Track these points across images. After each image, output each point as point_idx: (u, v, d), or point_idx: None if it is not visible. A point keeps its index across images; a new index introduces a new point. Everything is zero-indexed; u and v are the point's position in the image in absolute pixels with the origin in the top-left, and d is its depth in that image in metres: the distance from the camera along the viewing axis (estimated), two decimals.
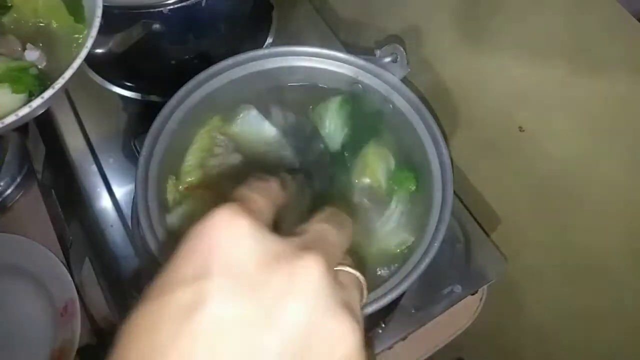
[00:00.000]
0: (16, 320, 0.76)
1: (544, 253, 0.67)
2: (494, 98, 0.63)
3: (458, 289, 0.64)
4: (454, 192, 0.55)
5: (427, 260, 0.50)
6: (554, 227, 0.63)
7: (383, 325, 0.62)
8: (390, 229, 0.56)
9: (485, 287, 0.69)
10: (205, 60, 0.54)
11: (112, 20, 0.63)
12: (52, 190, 0.79)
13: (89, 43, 0.45)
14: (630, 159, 0.50)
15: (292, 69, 0.62)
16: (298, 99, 0.63)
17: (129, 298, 0.63)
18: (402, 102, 0.59)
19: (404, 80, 0.59)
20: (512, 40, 0.57)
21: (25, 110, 0.41)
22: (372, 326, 0.63)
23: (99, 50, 0.60)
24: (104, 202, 0.68)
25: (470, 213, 0.71)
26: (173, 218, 0.51)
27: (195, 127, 0.58)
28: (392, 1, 0.74)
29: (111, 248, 0.66)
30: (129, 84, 0.74)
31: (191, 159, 0.56)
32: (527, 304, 0.75)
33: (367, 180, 0.58)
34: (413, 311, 0.63)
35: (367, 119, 0.61)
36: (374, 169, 0.59)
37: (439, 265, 0.65)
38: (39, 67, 0.47)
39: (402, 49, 0.58)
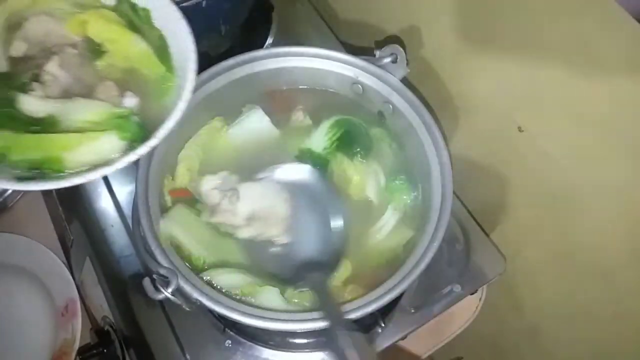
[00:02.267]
0: (16, 320, 0.76)
1: (543, 253, 0.68)
2: (493, 98, 0.63)
3: (457, 288, 0.65)
4: (454, 192, 0.55)
5: (427, 260, 0.50)
6: (554, 227, 0.64)
7: (383, 325, 0.62)
8: (386, 235, 0.57)
9: (484, 286, 0.69)
10: (206, 61, 0.54)
11: None
12: (53, 190, 0.79)
13: (186, 96, 0.45)
14: (630, 159, 0.50)
15: (292, 70, 0.62)
16: (298, 101, 0.63)
17: (129, 298, 0.63)
18: (402, 102, 0.59)
19: (404, 80, 0.59)
20: (512, 40, 0.57)
21: (133, 158, 0.41)
22: (372, 326, 0.63)
23: None
24: (105, 202, 0.68)
25: (470, 213, 0.71)
26: (164, 222, 0.52)
27: (195, 127, 0.59)
28: (392, 1, 0.74)
29: (112, 248, 0.66)
30: None
31: (182, 163, 0.56)
32: (526, 303, 0.75)
33: (356, 197, 0.59)
34: (412, 311, 0.64)
35: (357, 140, 0.61)
36: (362, 186, 0.59)
37: (438, 265, 0.65)
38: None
39: (402, 49, 0.58)
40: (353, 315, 0.48)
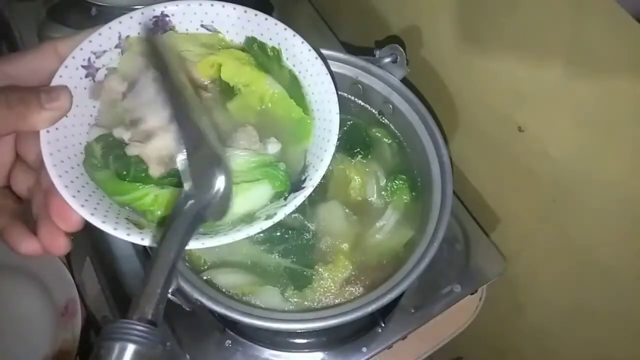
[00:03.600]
0: (17, 320, 0.76)
1: (543, 253, 0.68)
2: (493, 98, 0.63)
3: (457, 288, 0.65)
4: (454, 192, 0.55)
5: (427, 260, 0.50)
6: (554, 227, 0.64)
7: (383, 325, 0.62)
8: (386, 235, 0.57)
9: (484, 286, 0.69)
10: None
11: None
12: None
13: (333, 140, 0.41)
14: (630, 159, 0.50)
15: None
16: None
17: (129, 298, 0.63)
18: (402, 102, 0.59)
19: (404, 80, 0.59)
20: (512, 41, 0.57)
21: (290, 209, 0.39)
22: (372, 325, 0.63)
23: None
24: None
25: (470, 213, 0.71)
26: None
27: None
28: (392, 1, 0.74)
29: (112, 248, 0.66)
30: None
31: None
32: (526, 303, 0.75)
33: (356, 197, 0.59)
34: (412, 311, 0.64)
35: (357, 140, 0.61)
36: (362, 186, 0.59)
37: (438, 265, 0.65)
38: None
39: (402, 49, 0.58)
40: (353, 316, 0.48)
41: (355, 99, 0.64)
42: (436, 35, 0.68)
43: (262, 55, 0.46)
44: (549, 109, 0.57)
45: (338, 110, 0.42)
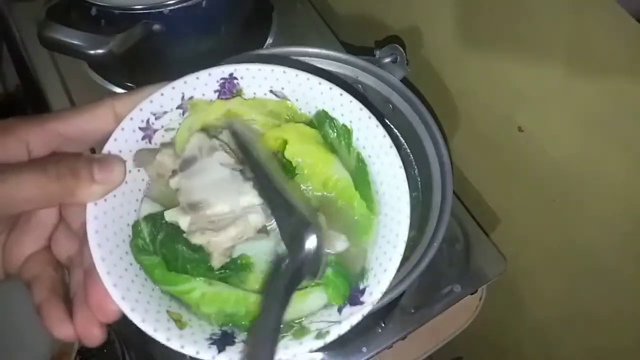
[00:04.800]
0: (16, 321, 0.76)
1: (543, 253, 0.68)
2: (493, 98, 0.63)
3: (457, 288, 0.65)
4: (454, 192, 0.55)
5: (427, 260, 0.50)
6: (554, 227, 0.64)
7: (383, 325, 0.62)
8: None
9: (484, 286, 0.69)
10: (206, 61, 0.54)
11: (113, 21, 0.63)
12: None
13: (397, 257, 0.36)
14: (630, 159, 0.50)
15: None
16: None
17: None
18: (402, 102, 0.59)
19: (404, 80, 0.59)
20: (512, 40, 0.57)
21: (345, 329, 0.34)
22: (372, 325, 0.63)
23: (99, 51, 0.60)
24: None
25: (470, 213, 0.71)
26: None
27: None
28: (392, 1, 0.74)
29: None
30: (129, 84, 0.74)
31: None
32: (526, 303, 0.75)
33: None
34: (413, 311, 0.64)
35: None
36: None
37: (438, 265, 0.65)
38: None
39: (401, 49, 0.58)
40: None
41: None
42: (436, 35, 0.68)
43: (331, 133, 0.41)
44: (549, 109, 0.57)
45: (409, 213, 0.38)
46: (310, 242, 0.33)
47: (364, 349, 0.62)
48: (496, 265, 0.67)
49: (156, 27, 0.63)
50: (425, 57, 0.71)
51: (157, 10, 0.62)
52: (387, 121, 0.38)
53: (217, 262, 0.36)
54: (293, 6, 0.86)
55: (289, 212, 0.34)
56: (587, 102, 0.52)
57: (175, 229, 0.36)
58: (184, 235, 0.36)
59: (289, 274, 0.32)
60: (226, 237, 0.35)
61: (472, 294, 0.67)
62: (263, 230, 0.37)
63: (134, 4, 0.62)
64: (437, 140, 0.56)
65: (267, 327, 0.31)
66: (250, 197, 0.36)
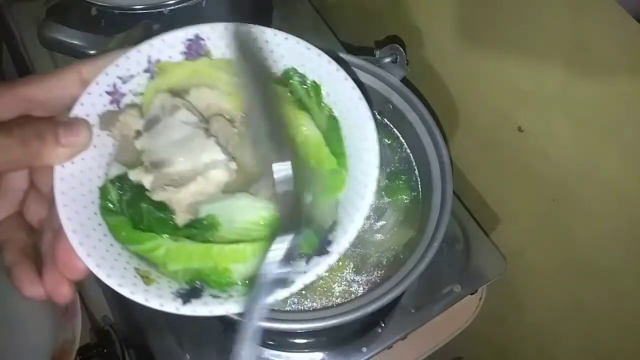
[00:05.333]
0: (16, 321, 0.76)
1: (543, 253, 0.68)
2: (493, 98, 0.63)
3: (457, 288, 0.65)
4: (454, 192, 0.55)
5: (427, 260, 0.50)
6: (554, 227, 0.64)
7: (383, 325, 0.62)
8: (386, 234, 0.57)
9: (484, 286, 0.69)
10: None
11: (113, 21, 0.63)
12: None
13: (364, 208, 0.36)
14: (630, 159, 0.50)
15: None
16: None
17: (129, 298, 0.63)
18: (402, 102, 0.59)
19: (404, 80, 0.59)
20: (512, 40, 0.57)
21: (311, 279, 0.34)
22: (372, 325, 0.63)
23: (99, 51, 0.60)
24: None
25: (470, 213, 0.71)
26: None
27: None
28: (392, 1, 0.74)
29: None
30: None
31: None
32: (526, 303, 0.75)
33: None
34: (413, 311, 0.64)
35: None
36: None
37: (438, 265, 0.65)
38: None
39: (401, 49, 0.58)
40: (353, 316, 0.48)
41: None
42: (436, 35, 0.68)
43: (300, 90, 0.41)
44: (549, 109, 0.57)
45: (378, 164, 0.38)
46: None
47: (364, 349, 0.62)
48: (496, 265, 0.67)
49: (156, 27, 0.63)
50: (425, 57, 0.71)
51: (157, 10, 0.63)
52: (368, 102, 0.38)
53: (180, 219, 0.36)
54: (293, 6, 0.86)
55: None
56: (587, 102, 0.52)
57: (140, 189, 0.36)
58: (147, 193, 0.36)
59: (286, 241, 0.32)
60: (187, 193, 0.36)
61: (472, 294, 0.67)
62: (229, 190, 0.37)
63: (134, 4, 0.62)
64: (437, 140, 0.56)
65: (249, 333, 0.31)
66: (212, 154, 0.37)
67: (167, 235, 0.36)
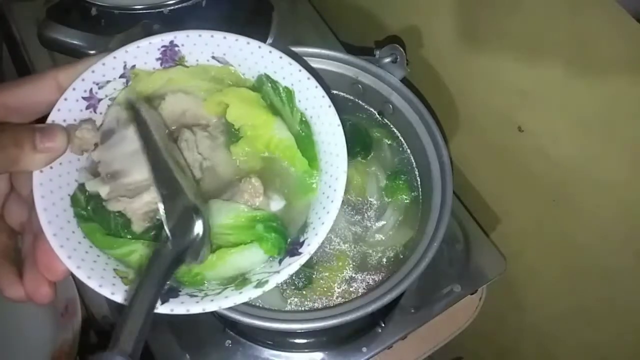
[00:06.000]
0: (16, 321, 0.76)
1: (543, 253, 0.68)
2: (493, 98, 0.63)
3: (457, 288, 0.65)
4: (454, 192, 0.55)
5: (427, 260, 0.50)
6: (554, 227, 0.64)
7: (383, 325, 0.62)
8: (386, 234, 0.57)
9: (484, 286, 0.69)
10: None
11: (113, 21, 0.63)
12: None
13: (334, 210, 0.37)
14: (630, 159, 0.50)
15: None
16: None
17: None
18: (402, 102, 0.59)
19: (404, 80, 0.59)
20: (512, 41, 0.57)
21: (283, 278, 0.36)
22: (372, 325, 0.63)
23: (99, 51, 0.60)
24: None
25: (470, 213, 0.71)
26: None
27: None
28: (392, 1, 0.74)
29: None
30: None
31: None
32: (526, 303, 0.75)
33: (355, 198, 0.59)
34: (413, 311, 0.64)
35: (357, 141, 0.61)
36: (362, 186, 0.59)
37: (438, 265, 0.65)
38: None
39: (401, 49, 0.58)
40: (353, 316, 0.48)
41: (355, 99, 0.64)
42: (436, 35, 0.68)
43: (273, 96, 0.42)
44: (549, 109, 0.57)
45: (346, 168, 0.39)
46: (197, 228, 0.34)
47: (364, 349, 0.62)
48: (496, 265, 0.67)
49: (156, 27, 0.63)
50: (425, 57, 0.71)
51: (157, 10, 0.63)
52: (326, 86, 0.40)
53: (137, 227, 0.38)
54: (293, 6, 0.86)
55: (177, 197, 0.34)
56: (587, 102, 0.52)
57: (100, 198, 0.38)
58: (104, 203, 0.37)
59: (170, 258, 0.33)
60: (140, 202, 0.37)
61: (472, 294, 0.67)
62: (203, 197, 0.39)
63: (134, 4, 0.62)
64: (437, 140, 0.56)
65: (140, 305, 0.32)
66: None
67: (139, 241, 0.37)
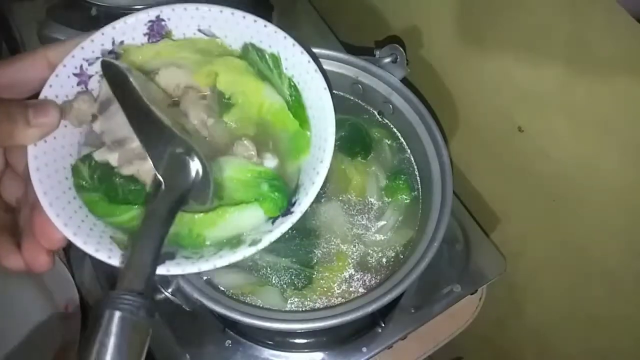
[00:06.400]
0: (17, 320, 0.76)
1: (543, 253, 0.68)
2: (493, 98, 0.63)
3: (457, 288, 0.65)
4: (454, 192, 0.55)
5: (427, 260, 0.50)
6: (554, 227, 0.64)
7: (383, 325, 0.62)
8: (386, 234, 0.57)
9: (484, 286, 0.69)
10: None
11: (113, 21, 0.63)
12: None
13: (323, 170, 0.38)
14: (630, 159, 0.50)
15: None
16: None
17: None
18: (402, 102, 0.59)
19: (404, 80, 0.59)
20: (512, 41, 0.57)
21: (276, 236, 0.36)
22: (372, 325, 0.63)
23: None
24: None
25: (470, 213, 0.71)
26: None
27: None
28: (392, 1, 0.74)
29: None
30: None
31: None
32: (526, 303, 0.75)
33: (356, 197, 0.59)
34: (413, 311, 0.64)
35: (357, 141, 0.61)
36: (362, 186, 0.59)
37: (438, 265, 0.65)
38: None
39: (401, 49, 0.58)
40: (353, 316, 0.48)
41: (355, 99, 0.64)
42: (436, 35, 0.68)
43: (260, 63, 0.43)
44: (549, 109, 0.57)
45: (334, 130, 0.40)
46: (194, 167, 0.35)
47: (364, 349, 0.62)
48: (496, 265, 0.67)
49: None
50: (425, 57, 0.71)
51: None
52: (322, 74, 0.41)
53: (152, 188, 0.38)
54: (293, 6, 0.86)
55: (165, 142, 0.35)
56: (587, 102, 0.52)
57: (109, 166, 0.38)
58: (116, 169, 0.38)
59: (169, 200, 0.34)
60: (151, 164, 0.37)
61: (472, 294, 0.67)
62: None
63: (134, 4, 0.62)
64: (437, 140, 0.56)
65: (148, 242, 0.32)
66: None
67: (142, 206, 0.38)
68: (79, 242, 0.35)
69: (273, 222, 0.38)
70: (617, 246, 0.56)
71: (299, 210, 0.37)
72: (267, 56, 0.43)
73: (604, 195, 0.55)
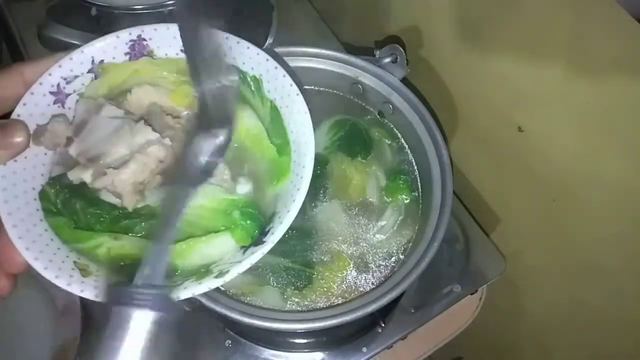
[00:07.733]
0: (16, 320, 0.76)
1: (543, 253, 0.68)
2: (493, 98, 0.63)
3: (457, 288, 0.65)
4: (454, 192, 0.55)
5: (427, 260, 0.50)
6: (554, 227, 0.64)
7: (383, 325, 0.62)
8: (386, 234, 0.57)
9: (484, 286, 0.69)
10: None
11: (113, 21, 0.63)
12: None
13: (299, 198, 0.37)
14: (630, 159, 0.50)
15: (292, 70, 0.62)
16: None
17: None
18: (402, 102, 0.59)
19: (404, 80, 0.59)
20: (512, 41, 0.57)
21: (244, 268, 0.35)
22: (372, 325, 0.63)
23: None
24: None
25: (470, 213, 0.71)
26: None
27: None
28: (392, 1, 0.74)
29: None
30: None
31: None
32: (526, 303, 0.75)
33: (356, 197, 0.59)
34: (412, 311, 0.64)
35: (357, 141, 0.61)
36: (362, 186, 0.59)
37: (438, 265, 0.65)
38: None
39: (401, 49, 0.58)
40: (353, 316, 0.48)
41: (355, 99, 0.64)
42: (436, 35, 0.68)
43: (242, 86, 0.42)
44: (549, 109, 0.57)
45: (313, 156, 0.38)
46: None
47: (364, 349, 0.62)
48: (496, 265, 0.67)
49: None
50: (425, 57, 0.71)
51: (157, 10, 0.63)
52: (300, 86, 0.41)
53: (128, 201, 0.37)
54: (293, 6, 0.86)
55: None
56: (587, 102, 0.52)
57: (77, 188, 0.37)
58: (89, 186, 0.37)
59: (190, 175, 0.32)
60: (128, 171, 0.36)
61: (472, 294, 0.67)
62: (166, 177, 0.38)
63: (134, 4, 0.62)
64: (437, 140, 0.56)
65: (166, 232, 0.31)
66: (144, 135, 0.38)
67: (107, 234, 0.37)
68: (39, 267, 0.34)
69: (244, 252, 0.37)
70: (617, 246, 0.56)
71: (271, 240, 0.36)
72: (249, 79, 0.42)
73: (604, 195, 0.55)
